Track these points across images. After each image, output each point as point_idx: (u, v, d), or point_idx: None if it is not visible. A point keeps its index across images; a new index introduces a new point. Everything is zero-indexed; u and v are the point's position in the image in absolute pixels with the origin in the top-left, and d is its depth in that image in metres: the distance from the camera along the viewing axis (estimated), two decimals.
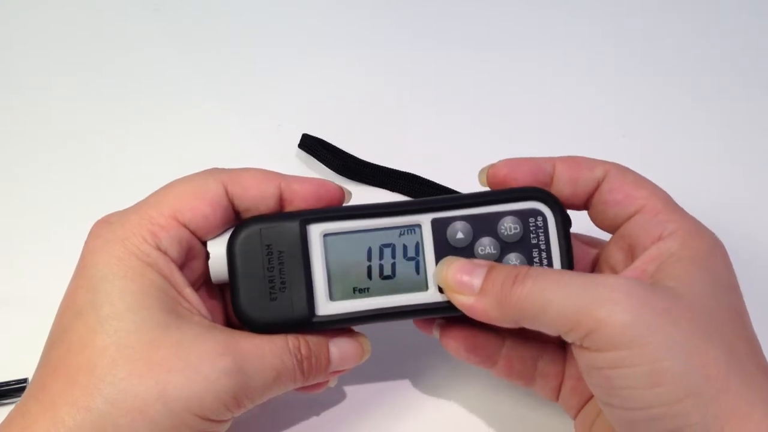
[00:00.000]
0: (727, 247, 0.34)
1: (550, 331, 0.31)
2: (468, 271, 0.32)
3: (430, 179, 0.50)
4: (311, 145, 0.51)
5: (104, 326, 0.30)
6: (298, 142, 0.51)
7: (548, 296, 0.30)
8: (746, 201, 0.51)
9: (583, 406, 0.36)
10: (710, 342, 0.29)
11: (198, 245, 0.35)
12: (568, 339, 0.30)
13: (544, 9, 0.61)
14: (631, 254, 0.34)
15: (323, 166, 0.50)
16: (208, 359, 0.31)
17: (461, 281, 0.32)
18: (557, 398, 0.37)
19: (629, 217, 0.34)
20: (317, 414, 0.41)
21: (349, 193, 0.37)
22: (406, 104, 0.55)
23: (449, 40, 0.59)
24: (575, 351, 0.31)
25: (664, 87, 0.56)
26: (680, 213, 0.34)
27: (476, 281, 0.32)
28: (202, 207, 0.33)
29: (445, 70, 0.57)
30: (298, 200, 0.35)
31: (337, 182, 0.36)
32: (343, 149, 0.51)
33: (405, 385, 0.42)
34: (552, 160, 0.36)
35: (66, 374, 0.30)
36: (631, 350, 0.28)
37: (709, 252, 0.32)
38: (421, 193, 0.50)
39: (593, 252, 0.38)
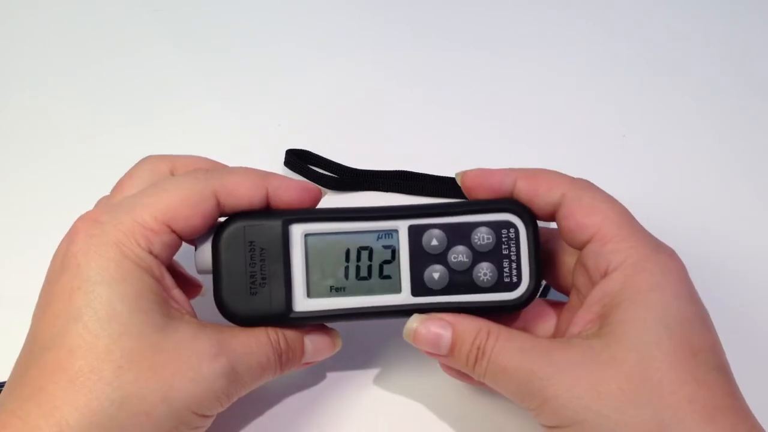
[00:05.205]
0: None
1: (510, 398, 0.34)
2: (434, 343, 0.35)
3: (427, 174, 0.50)
4: (295, 163, 0.50)
5: (107, 330, 0.31)
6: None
7: (506, 367, 0.33)
8: (746, 200, 0.50)
9: None
10: (640, 409, 0.31)
11: (180, 243, 0.36)
12: (524, 408, 0.33)
13: (544, 9, 0.60)
14: (591, 282, 0.35)
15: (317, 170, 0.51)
16: (205, 360, 0.32)
17: (430, 349, 0.35)
18: None
19: (583, 245, 0.35)
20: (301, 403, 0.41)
21: (324, 192, 0.38)
22: (407, 104, 0.55)
23: (450, 41, 0.59)
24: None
25: (665, 87, 0.56)
26: (630, 239, 0.34)
27: (444, 344, 0.34)
28: (195, 219, 0.34)
29: (446, 71, 0.57)
30: (283, 205, 0.36)
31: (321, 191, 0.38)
32: (343, 150, 0.51)
33: (386, 375, 0.42)
34: (514, 175, 0.36)
35: (68, 378, 0.30)
36: (571, 428, 0.31)
37: (653, 286, 0.32)
38: (417, 189, 0.50)
39: (571, 262, 0.38)
